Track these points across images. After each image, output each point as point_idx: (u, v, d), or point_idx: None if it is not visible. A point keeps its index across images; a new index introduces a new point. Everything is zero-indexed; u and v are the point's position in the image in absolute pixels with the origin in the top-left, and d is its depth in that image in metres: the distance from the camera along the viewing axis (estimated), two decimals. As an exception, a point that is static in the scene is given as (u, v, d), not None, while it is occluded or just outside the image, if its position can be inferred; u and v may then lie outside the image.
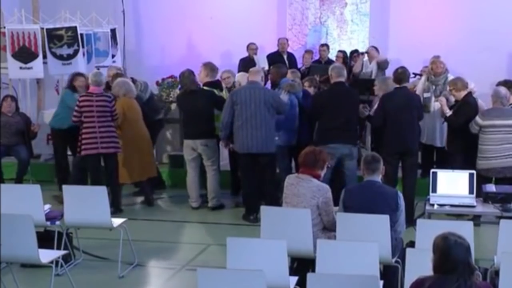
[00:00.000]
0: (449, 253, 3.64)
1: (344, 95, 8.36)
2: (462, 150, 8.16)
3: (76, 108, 8.47)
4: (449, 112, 8.23)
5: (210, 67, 9.14)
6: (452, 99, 8.45)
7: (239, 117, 8.32)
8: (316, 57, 12.79)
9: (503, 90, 8.01)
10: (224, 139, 8.65)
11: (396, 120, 8.02)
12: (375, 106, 8.78)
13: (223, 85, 9.59)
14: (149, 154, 9.20)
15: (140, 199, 9.46)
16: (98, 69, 10.51)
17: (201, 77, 9.08)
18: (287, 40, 12.85)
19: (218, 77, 9.49)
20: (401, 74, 8.29)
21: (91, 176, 8.68)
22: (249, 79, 8.62)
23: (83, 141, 8.48)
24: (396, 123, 8.02)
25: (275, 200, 7.84)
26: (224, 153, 9.71)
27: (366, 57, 11.83)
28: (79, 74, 9.56)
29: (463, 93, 8.17)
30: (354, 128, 8.51)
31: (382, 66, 11.24)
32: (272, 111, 8.33)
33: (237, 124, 8.36)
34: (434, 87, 9.04)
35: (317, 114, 8.43)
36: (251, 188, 8.51)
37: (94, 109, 8.46)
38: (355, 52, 12.43)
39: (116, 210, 8.50)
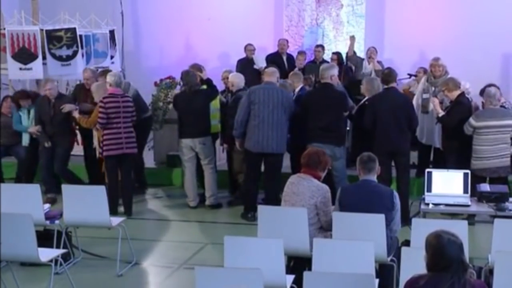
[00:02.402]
0: (442, 251, 3.66)
1: (329, 96, 8.33)
2: (456, 150, 8.20)
3: (102, 110, 8.34)
4: (441, 113, 8.27)
5: (197, 68, 9.21)
6: (447, 101, 8.50)
7: (256, 117, 8.30)
8: (310, 58, 12.84)
9: (492, 89, 8.08)
10: (238, 137, 8.57)
11: (384, 121, 8.03)
12: (356, 107, 8.85)
13: (223, 85, 9.67)
14: None
15: (137, 199, 9.49)
16: (97, 70, 10.53)
17: None
18: (287, 41, 12.87)
19: (219, 77, 9.57)
20: (387, 75, 8.31)
21: (108, 177, 8.58)
22: (265, 79, 8.59)
23: (107, 142, 8.41)
24: (384, 124, 8.02)
25: (276, 199, 7.83)
26: (221, 153, 9.75)
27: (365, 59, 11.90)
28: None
29: (455, 93, 8.19)
30: (339, 129, 8.42)
31: (378, 74, 11.23)
32: (287, 112, 8.37)
33: (252, 123, 8.34)
34: (433, 88, 8.98)
35: (303, 114, 8.44)
36: (253, 188, 8.54)
37: (121, 110, 8.44)
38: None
39: (127, 211, 8.55)
